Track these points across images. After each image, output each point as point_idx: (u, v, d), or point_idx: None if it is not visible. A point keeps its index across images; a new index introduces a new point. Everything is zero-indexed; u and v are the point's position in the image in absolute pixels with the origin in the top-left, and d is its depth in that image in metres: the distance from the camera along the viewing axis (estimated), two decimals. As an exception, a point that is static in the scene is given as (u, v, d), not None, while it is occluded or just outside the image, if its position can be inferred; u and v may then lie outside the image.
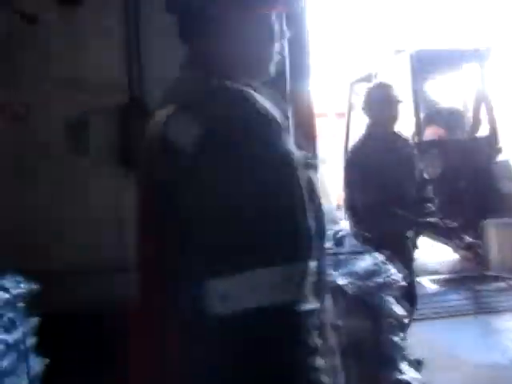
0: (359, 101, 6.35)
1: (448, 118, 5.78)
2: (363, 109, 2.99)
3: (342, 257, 2.19)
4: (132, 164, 4.19)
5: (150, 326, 0.84)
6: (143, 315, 0.86)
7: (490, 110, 5.77)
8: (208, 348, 0.75)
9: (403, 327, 1.90)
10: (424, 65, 5.45)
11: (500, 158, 5.80)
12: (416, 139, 5.53)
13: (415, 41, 5.85)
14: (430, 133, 5.59)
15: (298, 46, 3.24)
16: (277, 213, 0.76)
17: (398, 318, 1.89)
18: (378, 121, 2.91)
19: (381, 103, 2.89)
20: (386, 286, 1.93)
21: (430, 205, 2.89)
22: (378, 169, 2.68)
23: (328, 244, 2.36)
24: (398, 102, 2.95)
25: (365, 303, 1.92)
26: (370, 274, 1.97)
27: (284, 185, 0.78)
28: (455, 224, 3.17)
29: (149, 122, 0.93)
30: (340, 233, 2.43)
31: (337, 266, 2.12)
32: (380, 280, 1.94)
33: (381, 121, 2.90)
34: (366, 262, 2.06)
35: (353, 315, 1.89)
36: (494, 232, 4.46)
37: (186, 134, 0.79)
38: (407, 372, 1.96)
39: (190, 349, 0.77)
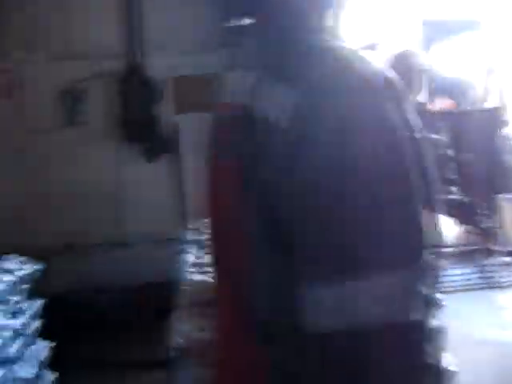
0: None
1: (456, 89, 5.61)
2: None
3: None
4: (132, 134, 4.00)
5: (227, 338, 0.69)
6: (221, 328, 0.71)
7: (498, 82, 5.61)
8: (305, 367, 0.61)
9: (440, 311, 1.78)
10: (433, 34, 5.25)
11: (505, 130, 5.67)
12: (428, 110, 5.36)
13: (423, 9, 5.63)
14: (440, 103, 5.44)
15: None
16: (401, 203, 0.60)
17: (438, 302, 1.77)
18: None
19: (406, 72, 2.72)
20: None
21: (452, 186, 2.82)
22: None
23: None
24: (424, 71, 2.79)
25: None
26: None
27: (406, 167, 0.61)
28: (478, 202, 3.07)
29: (220, 91, 0.75)
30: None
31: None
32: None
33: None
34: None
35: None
36: (509, 207, 4.38)
37: (279, 105, 0.62)
38: (445, 357, 1.86)
39: (282, 366, 0.62)
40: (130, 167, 3.88)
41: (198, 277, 1.68)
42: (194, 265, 1.78)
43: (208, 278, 1.63)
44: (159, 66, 3.75)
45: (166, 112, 3.92)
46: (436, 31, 5.32)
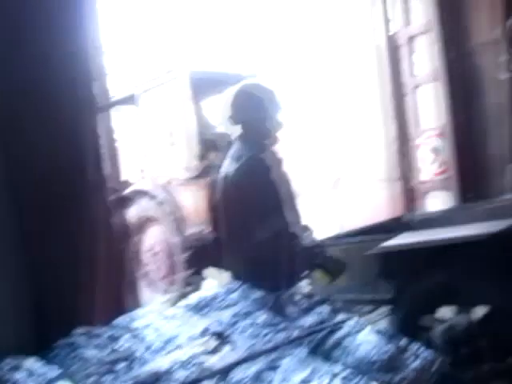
0: (120, 127, 5.36)
1: (225, 143, 5.44)
2: (231, 118, 2.24)
3: (319, 334, 1.40)
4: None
5: None
6: None
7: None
8: None
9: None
10: (202, 87, 4.96)
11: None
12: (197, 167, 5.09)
13: (190, 61, 5.30)
14: (211, 159, 5.13)
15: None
16: None
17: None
18: (253, 131, 2.20)
19: (256, 108, 2.19)
20: (422, 374, 1.28)
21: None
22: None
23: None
24: (280, 106, 2.30)
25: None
26: (394, 359, 1.28)
27: None
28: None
29: None
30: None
31: (336, 353, 1.33)
32: (414, 366, 1.27)
33: (256, 131, 2.21)
34: (370, 339, 1.35)
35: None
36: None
37: None
38: None
39: None
40: None
41: None
42: None
43: None
44: None
45: None
46: (207, 84, 5.05)
